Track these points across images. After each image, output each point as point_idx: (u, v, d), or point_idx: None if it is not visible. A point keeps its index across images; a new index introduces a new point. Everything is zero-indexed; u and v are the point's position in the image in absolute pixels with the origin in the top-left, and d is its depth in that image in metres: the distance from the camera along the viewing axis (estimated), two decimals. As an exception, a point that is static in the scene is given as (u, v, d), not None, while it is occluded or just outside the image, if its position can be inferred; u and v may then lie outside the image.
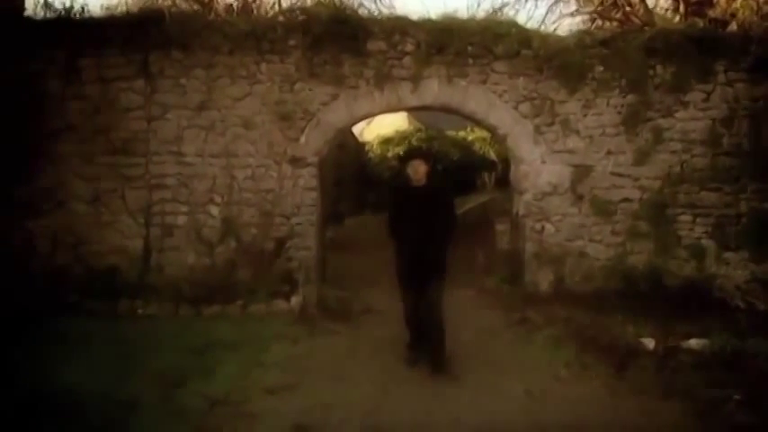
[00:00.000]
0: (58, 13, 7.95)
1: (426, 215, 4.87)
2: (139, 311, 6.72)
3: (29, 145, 7.49)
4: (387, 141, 18.39)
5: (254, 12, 12.21)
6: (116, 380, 4.34)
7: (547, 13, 14.01)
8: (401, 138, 18.09)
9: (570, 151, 7.70)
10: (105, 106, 7.59)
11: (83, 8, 7.99)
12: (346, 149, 16.48)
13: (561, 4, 12.08)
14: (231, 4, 11.95)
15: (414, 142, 17.50)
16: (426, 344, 4.95)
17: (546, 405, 4.06)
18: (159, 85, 7.61)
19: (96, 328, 5.90)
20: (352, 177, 17.17)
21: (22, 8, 8.24)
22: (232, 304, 6.99)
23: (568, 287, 7.51)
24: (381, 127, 18.70)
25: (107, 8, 8.28)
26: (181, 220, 7.66)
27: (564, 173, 7.70)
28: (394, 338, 5.48)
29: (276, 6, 13.25)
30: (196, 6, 11.71)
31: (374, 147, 18.84)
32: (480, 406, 4.05)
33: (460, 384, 4.40)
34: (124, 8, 8.40)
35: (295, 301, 7.15)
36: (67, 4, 7.99)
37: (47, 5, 8.07)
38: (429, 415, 3.75)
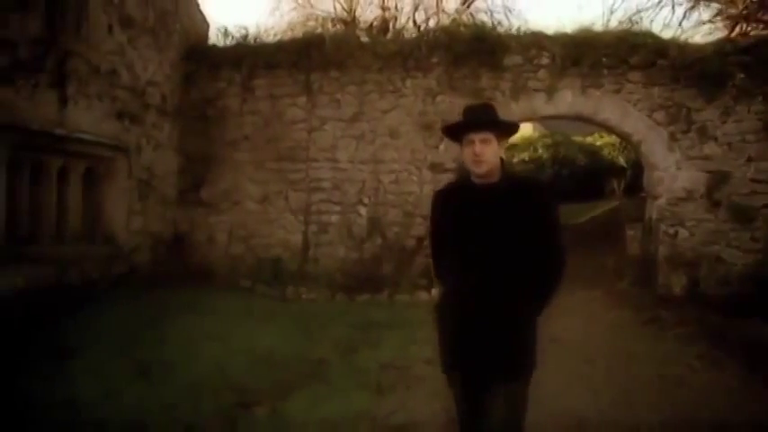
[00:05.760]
0: (236, 40, 9.38)
1: (498, 244, 2.39)
2: (303, 296, 7.82)
3: (213, 153, 8.93)
4: (511, 147, 18.71)
5: (392, 28, 13.24)
6: (302, 345, 5.34)
7: (683, 19, 13.70)
8: (526, 144, 18.35)
9: (706, 158, 7.79)
10: (274, 119, 8.84)
11: (255, 37, 9.37)
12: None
13: (701, 7, 11.84)
14: (372, 23, 13.08)
15: (539, 148, 17.71)
16: None
17: (680, 389, 4.46)
18: (319, 100, 8.73)
19: (272, 307, 7.05)
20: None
21: (207, 37, 9.79)
22: (380, 293, 7.91)
23: (702, 291, 7.61)
24: (507, 133, 19.04)
25: (275, 34, 9.49)
26: (334, 218, 8.71)
27: (699, 179, 7.80)
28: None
29: (411, 22, 14.25)
30: (340, 26, 12.96)
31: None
32: (616, 384, 4.54)
33: (595, 366, 4.89)
34: (290, 34, 9.67)
35: (435, 292, 7.93)
36: (243, 32, 9.44)
37: (226, 34, 9.55)
38: (568, 387, 4.33)
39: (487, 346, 2.37)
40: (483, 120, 2.50)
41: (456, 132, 2.55)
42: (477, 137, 2.43)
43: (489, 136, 2.44)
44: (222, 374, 4.47)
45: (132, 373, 4.46)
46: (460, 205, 2.52)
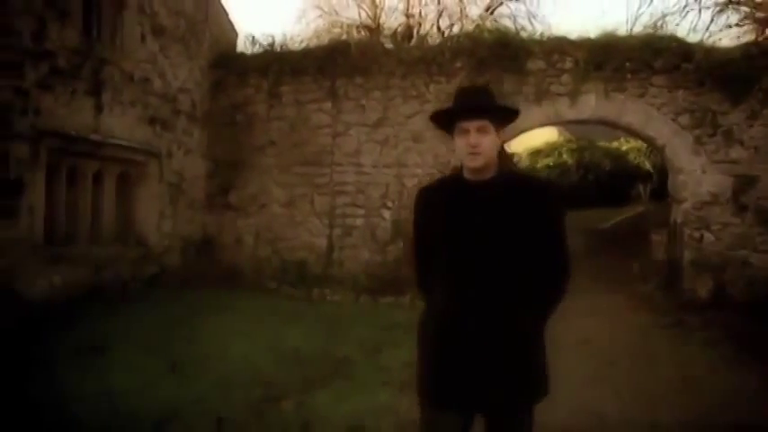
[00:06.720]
0: (263, 48, 9.61)
1: (492, 250, 2.01)
2: (328, 298, 7.96)
3: (241, 158, 9.15)
4: (536, 152, 18.70)
5: (416, 34, 13.38)
6: (327, 344, 5.47)
7: (711, 23, 13.52)
8: (551, 149, 18.31)
9: (733, 161, 7.73)
10: (300, 125, 9.02)
11: (282, 45, 9.59)
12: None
13: (728, 11, 11.72)
14: (396, 30, 13.23)
15: (563, 153, 17.65)
16: None
17: (702, 390, 4.46)
18: (344, 105, 8.89)
19: (298, 308, 7.20)
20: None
21: (236, 45, 10.04)
22: (403, 296, 7.99)
23: (729, 295, 7.54)
24: (530, 138, 19.02)
25: (301, 41, 9.70)
26: (358, 221, 8.85)
27: (725, 183, 7.74)
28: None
29: (435, 28, 14.37)
30: (365, 33, 13.14)
31: (523, 158, 19.23)
32: (636, 383, 4.57)
33: (617, 367, 4.92)
34: (315, 41, 9.87)
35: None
36: (270, 40, 9.67)
37: (254, 42, 9.79)
38: (590, 387, 4.38)
39: (490, 370, 1.96)
40: (479, 105, 2.06)
41: (447, 120, 2.10)
42: (472, 125, 2.01)
43: (486, 124, 2.02)
44: (250, 370, 4.62)
45: (164, 368, 4.62)
46: (449, 205, 2.09)
